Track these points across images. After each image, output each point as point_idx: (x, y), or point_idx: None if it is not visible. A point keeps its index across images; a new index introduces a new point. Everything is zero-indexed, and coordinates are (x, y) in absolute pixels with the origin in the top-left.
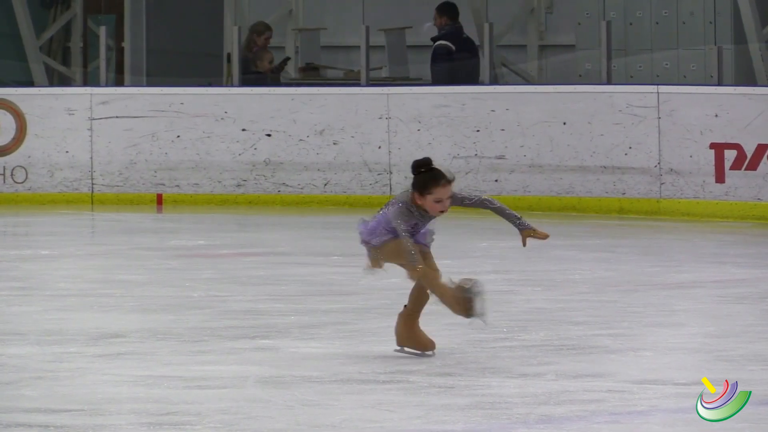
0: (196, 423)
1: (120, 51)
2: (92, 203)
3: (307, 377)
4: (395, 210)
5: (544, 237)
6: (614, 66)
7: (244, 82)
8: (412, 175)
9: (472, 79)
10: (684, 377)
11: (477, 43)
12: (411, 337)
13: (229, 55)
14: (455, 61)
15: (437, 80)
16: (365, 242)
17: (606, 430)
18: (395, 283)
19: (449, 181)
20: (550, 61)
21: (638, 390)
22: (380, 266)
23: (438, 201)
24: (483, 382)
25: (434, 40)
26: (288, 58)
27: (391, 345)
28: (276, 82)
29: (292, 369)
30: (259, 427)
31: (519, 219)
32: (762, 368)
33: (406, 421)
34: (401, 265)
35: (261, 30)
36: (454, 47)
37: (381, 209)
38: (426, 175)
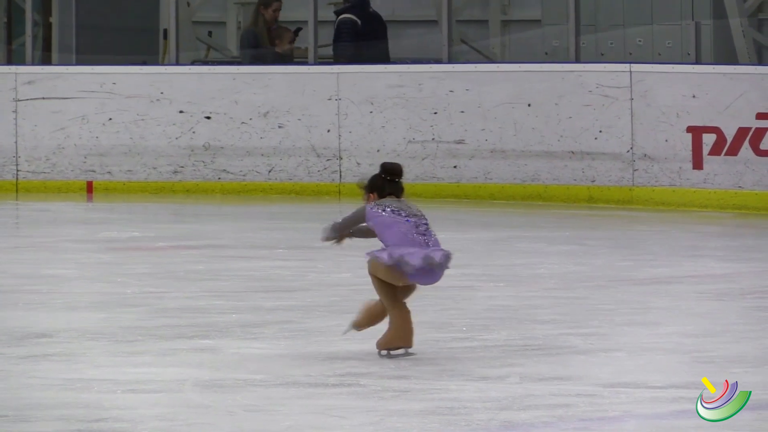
0: (130, 430)
1: (47, 27)
2: (17, 191)
3: (250, 380)
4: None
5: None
6: (583, 43)
7: (254, 60)
8: (358, 162)
9: (382, 58)
10: (659, 380)
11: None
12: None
13: (165, 31)
14: (362, 38)
15: (340, 59)
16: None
17: None
18: (345, 278)
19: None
20: (514, 37)
21: (609, 394)
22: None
23: None
24: (440, 385)
25: (338, 13)
26: (300, 29)
27: (341, 345)
28: (290, 61)
29: (234, 372)
30: None
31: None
32: (745, 370)
33: (357, 428)
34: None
35: (268, 2)
36: (359, 21)
37: (424, 229)
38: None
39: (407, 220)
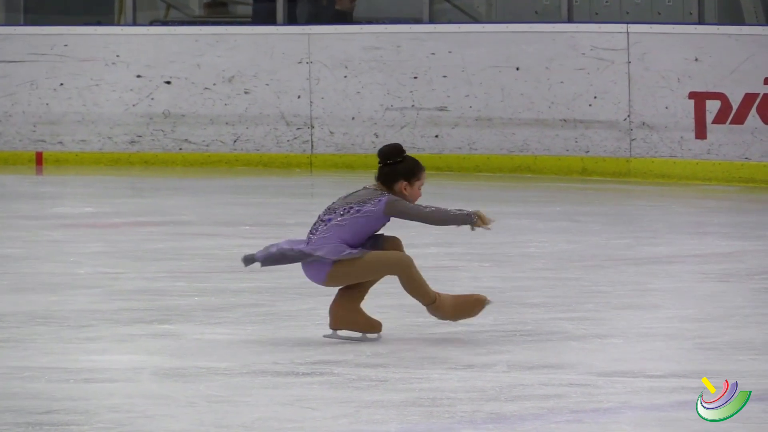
0: (83, 423)
1: None
2: None
3: (214, 369)
4: (399, 202)
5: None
6: (576, 1)
7: (309, 18)
8: (331, 131)
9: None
10: (659, 369)
11: None
12: (350, 318)
13: None
14: None
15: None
16: (315, 258)
17: (567, 430)
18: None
19: None
20: None
21: (605, 384)
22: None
23: (421, 186)
24: (421, 374)
25: None
26: None
27: (313, 330)
28: (350, 20)
29: (196, 359)
30: (157, 427)
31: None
32: (751, 358)
33: (330, 421)
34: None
35: None
36: None
37: (319, 226)
38: (411, 160)
39: (318, 216)
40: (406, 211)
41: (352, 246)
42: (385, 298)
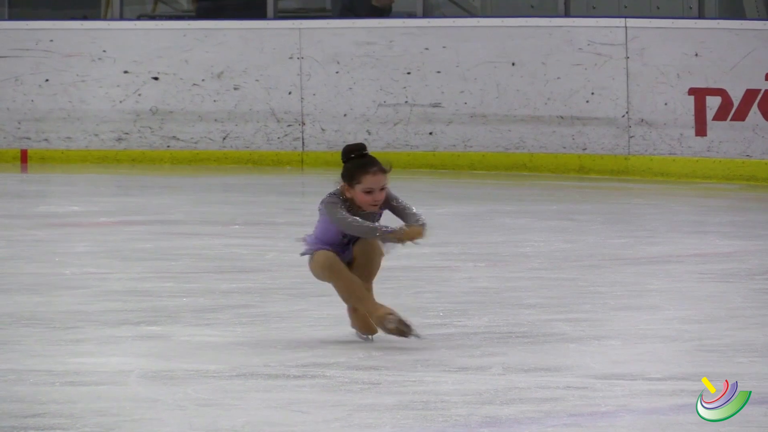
0: (69, 427)
1: None
2: None
3: (203, 371)
4: (327, 204)
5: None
6: None
7: (343, 13)
8: (323, 128)
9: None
10: (658, 371)
11: None
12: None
13: None
14: None
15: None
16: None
17: None
18: (307, 258)
19: (382, 171)
20: None
21: (603, 387)
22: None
23: (368, 192)
24: (415, 377)
25: None
26: None
27: (304, 332)
28: (387, 15)
29: (185, 362)
30: (145, 431)
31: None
32: (751, 360)
33: (322, 425)
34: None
35: None
36: None
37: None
38: (355, 161)
39: None
40: (330, 218)
41: (325, 243)
42: (378, 299)
